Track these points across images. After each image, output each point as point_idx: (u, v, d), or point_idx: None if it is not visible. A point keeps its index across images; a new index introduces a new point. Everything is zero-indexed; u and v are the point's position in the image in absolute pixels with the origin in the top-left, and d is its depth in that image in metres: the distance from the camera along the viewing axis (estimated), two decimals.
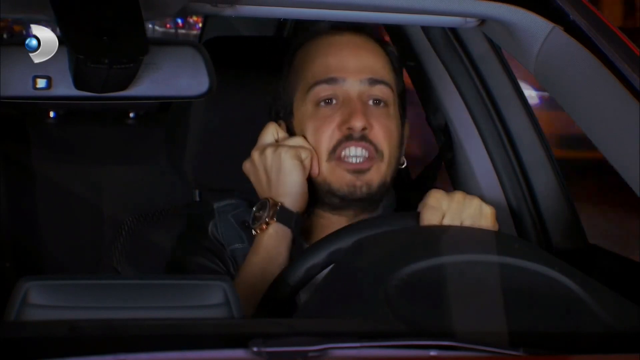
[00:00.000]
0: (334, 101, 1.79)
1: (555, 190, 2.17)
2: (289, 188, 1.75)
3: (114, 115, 2.70)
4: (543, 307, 1.40)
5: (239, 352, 1.15)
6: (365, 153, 1.77)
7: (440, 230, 1.63)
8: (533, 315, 1.37)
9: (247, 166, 1.82)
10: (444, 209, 1.63)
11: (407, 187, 2.01)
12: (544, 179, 2.17)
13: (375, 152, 1.78)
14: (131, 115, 2.70)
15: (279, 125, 1.84)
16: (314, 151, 1.79)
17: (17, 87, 1.41)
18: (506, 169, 2.18)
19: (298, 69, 1.85)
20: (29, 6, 1.52)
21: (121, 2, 1.34)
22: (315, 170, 1.79)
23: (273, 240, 1.74)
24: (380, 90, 1.80)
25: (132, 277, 1.87)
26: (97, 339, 1.16)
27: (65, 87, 1.41)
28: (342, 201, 1.79)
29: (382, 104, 1.80)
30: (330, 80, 1.79)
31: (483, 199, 1.70)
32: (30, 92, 1.41)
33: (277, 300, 1.58)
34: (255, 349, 1.14)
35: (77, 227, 2.57)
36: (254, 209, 1.77)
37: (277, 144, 1.79)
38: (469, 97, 2.20)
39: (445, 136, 2.24)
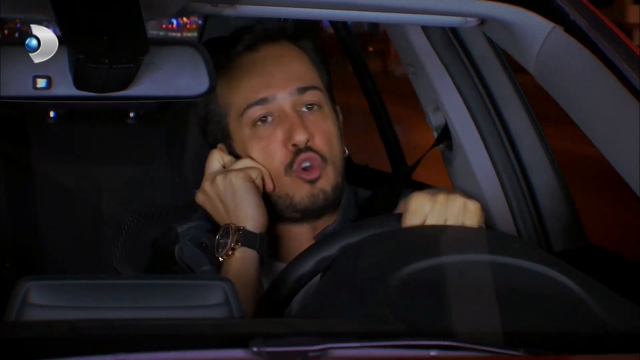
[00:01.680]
0: (270, 118, 1.80)
1: (555, 190, 2.17)
2: (248, 211, 1.75)
3: (114, 115, 2.70)
4: (543, 307, 1.40)
5: (239, 352, 1.15)
6: (313, 163, 1.79)
7: (441, 230, 1.63)
8: (533, 315, 1.37)
9: (200, 198, 1.81)
10: (426, 212, 1.63)
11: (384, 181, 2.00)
12: (544, 179, 2.17)
13: (322, 160, 1.79)
14: (131, 115, 2.69)
15: (221, 150, 1.85)
16: (263, 169, 1.79)
17: (17, 87, 1.41)
18: (506, 169, 2.18)
19: (225, 92, 1.84)
20: (29, 6, 1.52)
21: (121, 2, 1.34)
22: (270, 186, 1.80)
23: (241, 264, 1.73)
24: (311, 95, 1.81)
25: (132, 277, 1.86)
26: (97, 339, 1.16)
27: (65, 87, 1.41)
28: (303, 214, 1.81)
29: (315, 107, 1.81)
30: (261, 101, 1.80)
31: (483, 198, 1.70)
32: (30, 92, 1.41)
33: (272, 305, 1.58)
34: (255, 349, 1.14)
35: (77, 227, 2.57)
36: (217, 236, 1.76)
37: (225, 170, 1.80)
38: (469, 97, 2.20)
39: (445, 136, 2.24)
